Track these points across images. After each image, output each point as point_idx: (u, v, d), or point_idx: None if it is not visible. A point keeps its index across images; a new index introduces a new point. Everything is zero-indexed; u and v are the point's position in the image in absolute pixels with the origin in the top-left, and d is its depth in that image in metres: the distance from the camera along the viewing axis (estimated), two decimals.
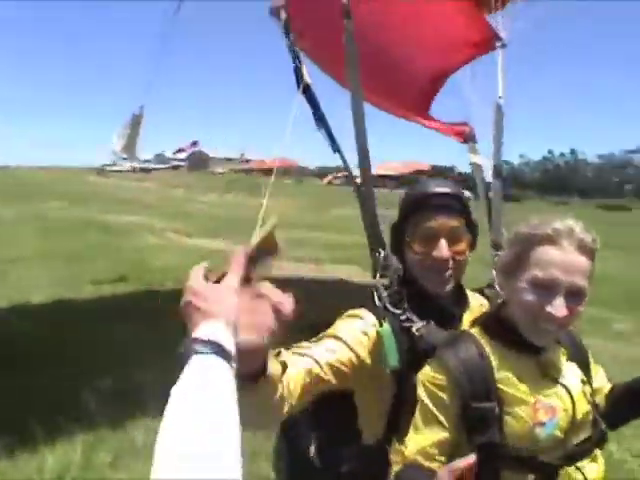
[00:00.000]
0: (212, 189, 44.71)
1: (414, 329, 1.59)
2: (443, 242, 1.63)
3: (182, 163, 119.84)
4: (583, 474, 1.44)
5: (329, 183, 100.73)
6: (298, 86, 2.60)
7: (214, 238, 14.22)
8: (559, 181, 78.22)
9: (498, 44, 3.54)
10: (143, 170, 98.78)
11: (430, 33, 4.31)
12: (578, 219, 1.42)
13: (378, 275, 1.75)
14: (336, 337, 1.60)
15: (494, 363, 1.43)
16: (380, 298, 1.68)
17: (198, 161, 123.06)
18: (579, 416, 1.45)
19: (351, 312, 1.71)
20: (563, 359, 1.52)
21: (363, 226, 1.95)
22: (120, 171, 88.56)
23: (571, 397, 1.45)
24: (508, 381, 1.42)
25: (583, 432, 1.48)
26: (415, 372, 1.51)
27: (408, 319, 1.63)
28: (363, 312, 1.68)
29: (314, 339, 1.61)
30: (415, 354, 1.56)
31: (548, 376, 1.46)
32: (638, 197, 74.96)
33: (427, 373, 1.46)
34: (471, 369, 1.41)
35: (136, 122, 6.26)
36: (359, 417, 1.76)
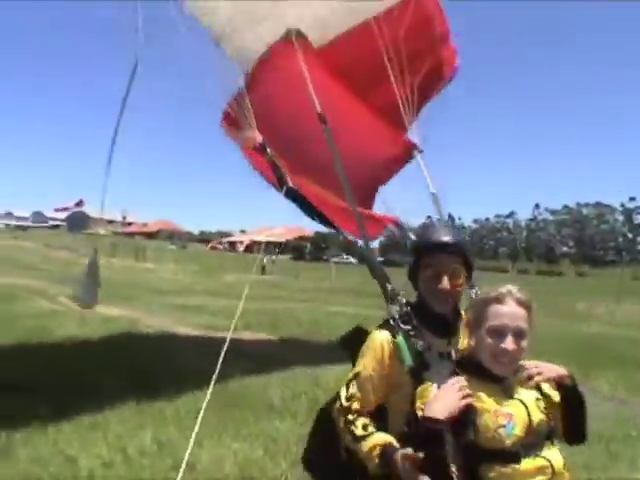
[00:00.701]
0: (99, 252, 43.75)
1: (418, 346, 2.23)
2: (446, 279, 2.26)
3: (62, 223, 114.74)
4: (545, 458, 2.05)
5: (212, 248, 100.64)
6: (280, 189, 3.88)
7: (108, 304, 13.74)
8: None
9: (417, 152, 4.94)
10: (19, 228, 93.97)
11: (363, 159, 5.58)
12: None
13: (389, 304, 2.51)
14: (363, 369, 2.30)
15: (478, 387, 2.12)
16: (394, 319, 2.33)
17: (78, 221, 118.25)
18: (535, 420, 2.08)
19: (372, 336, 2.36)
20: (519, 385, 2.16)
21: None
22: None
23: (526, 407, 2.09)
24: (478, 399, 2.07)
25: (541, 433, 2.12)
26: (426, 372, 2.19)
27: (416, 333, 2.27)
28: (381, 332, 2.33)
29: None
30: (422, 361, 2.21)
31: (508, 395, 2.12)
32: (512, 259, 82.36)
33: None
34: None
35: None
36: (388, 416, 2.30)
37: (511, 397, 2.11)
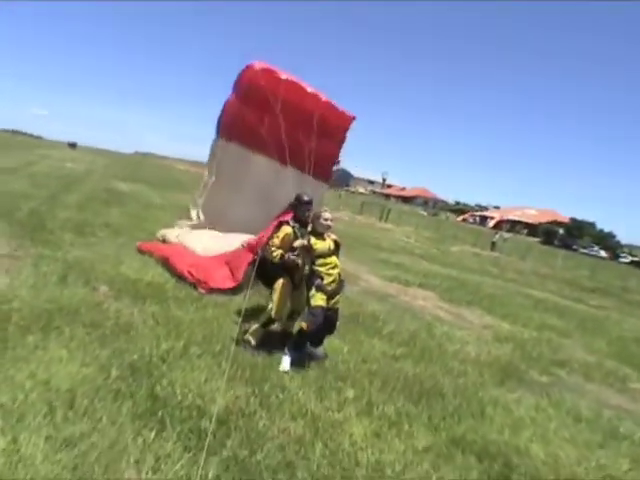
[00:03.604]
0: (347, 208, 47.89)
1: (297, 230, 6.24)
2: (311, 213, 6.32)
3: None
4: (334, 258, 6.03)
5: (463, 220, 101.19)
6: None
7: None
8: None
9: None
10: None
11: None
12: None
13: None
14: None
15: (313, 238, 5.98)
16: (293, 226, 6.22)
17: (341, 178, 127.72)
18: (332, 246, 6.03)
19: (284, 227, 6.22)
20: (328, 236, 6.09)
21: None
22: None
23: (329, 242, 6.01)
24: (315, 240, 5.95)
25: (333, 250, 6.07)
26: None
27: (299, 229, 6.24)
28: (288, 226, 6.23)
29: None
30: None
31: (326, 243, 5.99)
32: None
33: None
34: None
35: None
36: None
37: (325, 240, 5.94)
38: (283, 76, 9.56)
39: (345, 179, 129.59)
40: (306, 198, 6.49)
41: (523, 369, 7.55)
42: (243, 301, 6.89)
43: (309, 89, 9.94)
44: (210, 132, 10.71)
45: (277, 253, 6.03)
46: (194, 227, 11.01)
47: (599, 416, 6.28)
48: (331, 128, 10.59)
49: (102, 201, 17.49)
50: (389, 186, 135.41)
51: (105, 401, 4.33)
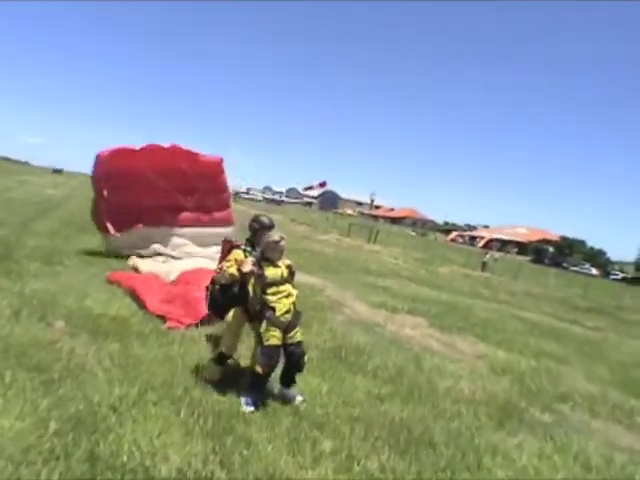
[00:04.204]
0: (335, 230, 47.29)
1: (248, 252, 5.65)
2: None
3: (314, 200, 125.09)
4: (287, 286, 5.40)
5: (452, 240, 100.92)
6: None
7: (311, 273, 15.71)
8: None
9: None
10: (274, 202, 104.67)
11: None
12: None
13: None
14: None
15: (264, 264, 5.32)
16: (244, 249, 5.69)
17: (329, 201, 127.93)
18: (285, 274, 5.41)
19: (235, 250, 5.64)
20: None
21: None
22: (252, 199, 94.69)
23: (282, 269, 5.37)
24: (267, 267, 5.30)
25: (286, 278, 5.43)
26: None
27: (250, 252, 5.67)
28: (239, 250, 5.65)
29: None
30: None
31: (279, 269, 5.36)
32: None
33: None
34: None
35: None
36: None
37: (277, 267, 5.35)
38: (136, 147, 11.13)
39: (333, 201, 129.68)
40: (267, 221, 5.85)
41: (523, 407, 6.79)
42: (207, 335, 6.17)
43: (166, 145, 11.09)
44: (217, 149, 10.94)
45: (231, 269, 5.37)
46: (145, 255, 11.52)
47: (610, 462, 5.54)
48: (207, 178, 11.97)
49: (77, 227, 16.70)
50: (377, 207, 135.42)
51: (34, 465, 3.66)
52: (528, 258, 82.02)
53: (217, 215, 12.78)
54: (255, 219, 5.89)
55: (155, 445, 4.20)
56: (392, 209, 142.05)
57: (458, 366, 8.27)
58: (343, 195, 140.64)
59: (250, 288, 5.42)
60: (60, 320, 6.76)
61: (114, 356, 5.89)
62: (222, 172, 12.62)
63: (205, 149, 10.92)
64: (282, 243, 5.41)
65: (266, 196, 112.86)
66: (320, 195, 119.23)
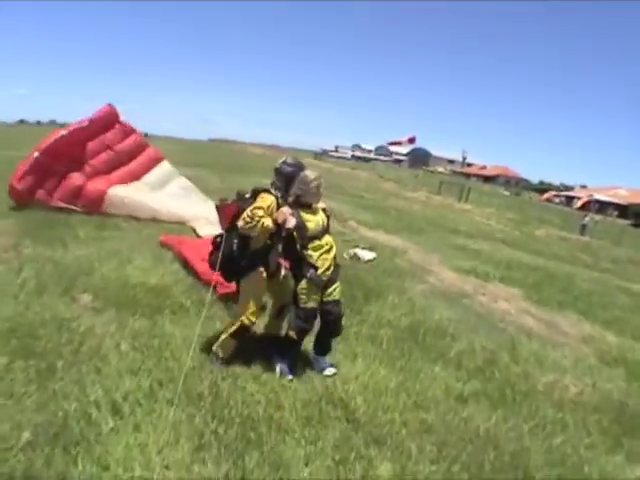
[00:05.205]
0: (424, 188, 45.16)
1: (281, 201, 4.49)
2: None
3: (404, 158, 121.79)
4: (328, 237, 4.61)
5: (547, 200, 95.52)
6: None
7: (392, 233, 14.52)
8: None
9: None
10: (363, 159, 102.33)
11: None
12: None
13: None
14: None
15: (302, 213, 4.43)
16: (276, 195, 4.49)
17: (419, 158, 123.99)
18: (325, 221, 4.61)
19: (265, 195, 4.44)
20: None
21: None
22: (341, 157, 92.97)
23: (321, 216, 4.59)
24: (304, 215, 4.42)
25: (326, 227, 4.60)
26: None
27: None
28: (270, 195, 4.43)
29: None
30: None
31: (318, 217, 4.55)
32: None
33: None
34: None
35: None
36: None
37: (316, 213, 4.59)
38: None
39: (424, 159, 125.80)
40: (301, 162, 4.73)
41: None
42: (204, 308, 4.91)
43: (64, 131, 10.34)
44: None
45: (267, 221, 4.27)
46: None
47: None
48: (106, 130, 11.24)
49: None
50: (469, 165, 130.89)
51: None
52: (629, 222, 76.04)
53: (142, 158, 11.92)
54: (285, 161, 4.67)
55: (151, 466, 3.16)
56: (484, 167, 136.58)
57: (561, 353, 6.68)
58: (434, 152, 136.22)
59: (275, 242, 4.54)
60: (87, 293, 5.88)
61: (137, 336, 4.95)
62: (117, 119, 11.64)
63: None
64: (322, 182, 4.58)
65: (355, 154, 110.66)
66: (410, 152, 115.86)
